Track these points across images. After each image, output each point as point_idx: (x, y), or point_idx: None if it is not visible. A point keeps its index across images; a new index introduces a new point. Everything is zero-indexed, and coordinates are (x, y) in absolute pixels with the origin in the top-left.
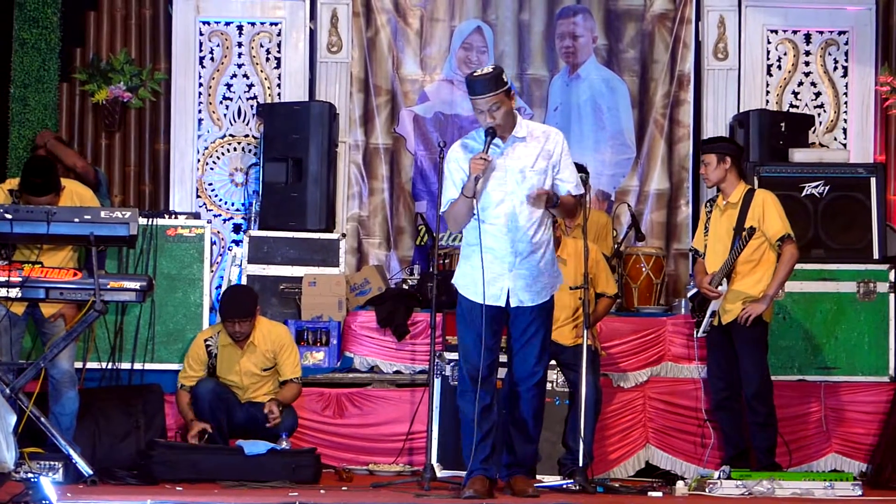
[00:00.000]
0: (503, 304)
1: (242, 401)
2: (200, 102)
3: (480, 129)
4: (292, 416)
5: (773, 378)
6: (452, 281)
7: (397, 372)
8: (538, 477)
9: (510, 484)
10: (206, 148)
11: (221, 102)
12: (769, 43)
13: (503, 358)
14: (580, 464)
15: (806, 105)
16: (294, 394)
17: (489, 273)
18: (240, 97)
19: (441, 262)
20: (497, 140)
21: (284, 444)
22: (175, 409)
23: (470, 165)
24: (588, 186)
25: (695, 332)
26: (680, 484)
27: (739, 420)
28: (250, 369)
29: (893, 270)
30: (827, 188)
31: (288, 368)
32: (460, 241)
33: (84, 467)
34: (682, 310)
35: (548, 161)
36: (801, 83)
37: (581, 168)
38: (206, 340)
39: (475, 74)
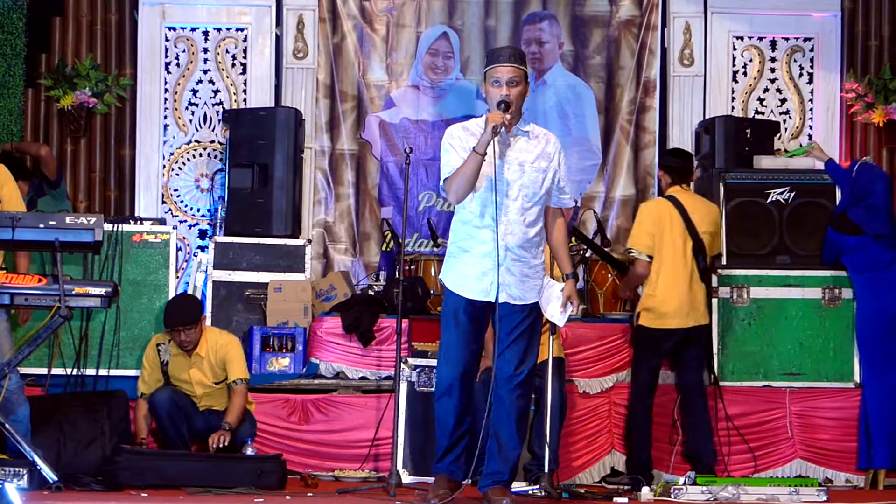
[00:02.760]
0: (492, 300)
1: (201, 408)
2: (166, 108)
3: (483, 117)
4: (249, 423)
5: (739, 384)
6: (440, 276)
7: (363, 378)
8: None
9: (487, 495)
10: (172, 154)
11: (187, 108)
12: (735, 49)
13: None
14: (546, 470)
15: (771, 111)
16: (242, 402)
17: (478, 268)
18: (205, 103)
19: (407, 268)
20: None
21: (250, 451)
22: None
23: (487, 118)
24: None
25: None
26: (645, 490)
27: (695, 432)
28: (201, 380)
29: None
30: (792, 194)
31: (234, 370)
32: (426, 247)
33: (49, 473)
34: None
35: (548, 163)
36: (766, 89)
37: None
38: (158, 344)
39: (500, 46)
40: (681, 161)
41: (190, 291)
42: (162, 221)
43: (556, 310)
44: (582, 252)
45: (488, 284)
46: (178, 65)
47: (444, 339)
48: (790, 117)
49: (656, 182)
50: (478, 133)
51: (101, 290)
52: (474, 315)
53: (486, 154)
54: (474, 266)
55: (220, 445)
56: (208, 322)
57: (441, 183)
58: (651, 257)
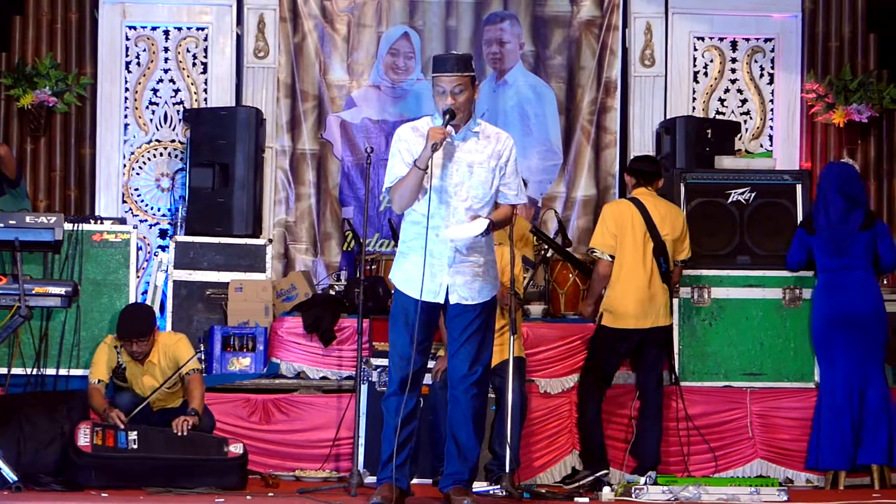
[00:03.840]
0: (441, 301)
1: (155, 409)
2: (126, 107)
3: (434, 115)
4: (208, 416)
5: (699, 384)
6: (389, 276)
7: (324, 378)
8: None
9: (448, 496)
10: (133, 153)
11: (148, 107)
12: (696, 50)
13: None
14: (507, 469)
15: (732, 112)
16: (201, 389)
17: (427, 269)
18: (166, 102)
19: (368, 267)
20: (450, 129)
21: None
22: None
23: (428, 134)
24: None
25: None
26: (606, 489)
27: (643, 432)
28: (154, 385)
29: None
30: (753, 195)
31: (186, 365)
32: (387, 247)
33: (8, 473)
34: None
35: (497, 162)
36: (727, 90)
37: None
38: (115, 346)
39: (444, 54)
40: (648, 165)
41: (150, 291)
42: (122, 221)
43: (466, 226)
44: (543, 252)
45: (437, 286)
46: (138, 64)
47: (393, 339)
48: (751, 118)
49: (617, 183)
50: (426, 132)
51: (61, 290)
52: (423, 315)
53: (427, 168)
54: (424, 266)
55: (185, 431)
56: (169, 323)
57: (384, 190)
58: (613, 257)
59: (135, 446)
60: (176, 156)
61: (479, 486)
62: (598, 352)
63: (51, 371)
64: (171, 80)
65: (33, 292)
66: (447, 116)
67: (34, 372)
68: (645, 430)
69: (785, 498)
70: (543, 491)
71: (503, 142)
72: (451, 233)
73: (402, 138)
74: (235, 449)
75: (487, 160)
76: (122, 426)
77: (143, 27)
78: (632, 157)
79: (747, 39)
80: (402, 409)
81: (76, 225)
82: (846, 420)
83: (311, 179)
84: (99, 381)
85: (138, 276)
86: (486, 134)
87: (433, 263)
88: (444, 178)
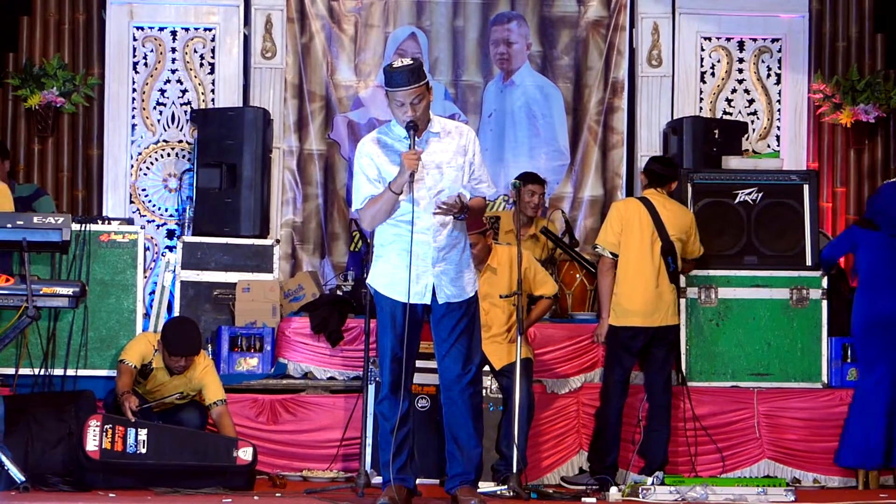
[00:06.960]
0: (428, 302)
1: (156, 409)
2: (134, 108)
3: (389, 124)
4: (200, 413)
5: (707, 384)
6: (368, 281)
7: (331, 378)
8: None
9: (455, 496)
10: (140, 153)
11: (155, 108)
12: (703, 50)
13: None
14: (514, 470)
15: (739, 112)
16: (231, 421)
17: (412, 271)
18: (173, 103)
19: None
20: (419, 148)
21: (240, 453)
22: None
23: (402, 162)
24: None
25: None
26: (613, 490)
27: (651, 432)
28: (172, 396)
29: (826, 277)
30: (760, 195)
31: (212, 392)
32: None
33: (16, 474)
34: None
35: (463, 157)
36: (734, 90)
37: (540, 180)
38: (154, 347)
39: (394, 66)
40: (662, 167)
41: (158, 291)
42: (130, 221)
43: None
44: (550, 252)
45: (423, 287)
46: (146, 64)
47: (383, 343)
48: (758, 118)
49: (624, 183)
50: (393, 144)
51: (68, 290)
52: (411, 316)
53: (402, 192)
54: (407, 269)
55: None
56: None
57: (354, 210)
58: (615, 255)
59: (143, 450)
60: (183, 156)
61: (486, 486)
62: (612, 353)
63: (58, 371)
64: (179, 81)
65: (41, 293)
66: (412, 132)
67: (42, 372)
68: (653, 430)
69: (792, 498)
70: (551, 491)
71: (465, 134)
72: None
73: (363, 153)
74: (245, 455)
75: (454, 157)
76: (131, 418)
77: (151, 28)
78: (649, 158)
79: (754, 40)
80: (397, 409)
81: (84, 225)
82: (876, 420)
83: (319, 180)
84: (134, 366)
85: (146, 277)
86: (446, 130)
87: (417, 265)
88: (416, 184)
